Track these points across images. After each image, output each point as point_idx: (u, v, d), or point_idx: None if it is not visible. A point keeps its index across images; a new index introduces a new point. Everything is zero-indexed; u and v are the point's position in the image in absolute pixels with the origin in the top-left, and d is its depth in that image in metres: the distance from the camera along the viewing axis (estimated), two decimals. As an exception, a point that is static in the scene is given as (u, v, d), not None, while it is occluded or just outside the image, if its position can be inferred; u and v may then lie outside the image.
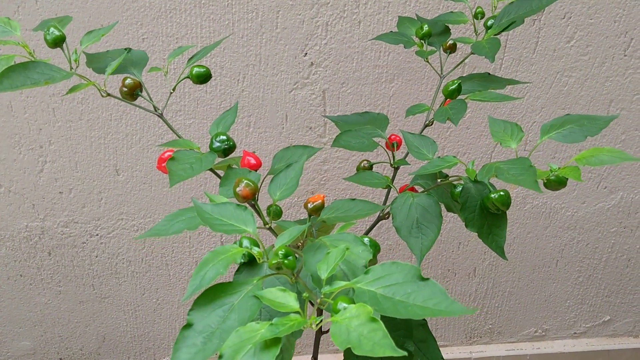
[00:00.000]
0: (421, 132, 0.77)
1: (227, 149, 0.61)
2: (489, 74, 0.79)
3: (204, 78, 0.67)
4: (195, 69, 0.67)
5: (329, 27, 0.99)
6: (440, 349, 1.38)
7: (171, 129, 0.67)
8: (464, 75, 0.80)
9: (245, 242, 0.52)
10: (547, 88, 1.07)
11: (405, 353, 0.34)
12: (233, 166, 0.65)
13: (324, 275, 0.43)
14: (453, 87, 0.72)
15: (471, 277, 1.28)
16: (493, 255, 1.25)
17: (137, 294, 1.22)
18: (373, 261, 0.51)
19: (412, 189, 0.74)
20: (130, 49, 0.69)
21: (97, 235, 1.15)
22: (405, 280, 0.40)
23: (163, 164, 0.65)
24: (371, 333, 0.36)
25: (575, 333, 1.38)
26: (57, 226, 1.13)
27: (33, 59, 0.59)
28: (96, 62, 0.68)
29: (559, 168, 0.59)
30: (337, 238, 0.49)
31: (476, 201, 0.65)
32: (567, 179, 0.60)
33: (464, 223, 0.65)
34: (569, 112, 1.09)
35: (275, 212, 0.61)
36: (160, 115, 0.67)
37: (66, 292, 1.21)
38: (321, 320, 0.40)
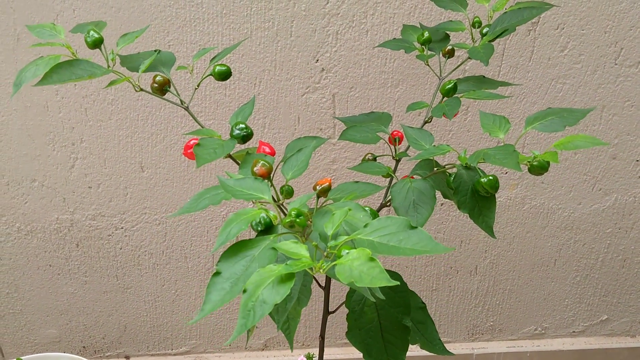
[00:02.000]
0: (424, 124, 0.85)
1: (246, 136, 0.69)
2: (484, 76, 0.87)
3: (225, 75, 0.76)
4: (218, 67, 0.76)
5: (339, 35, 1.08)
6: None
7: (195, 120, 0.75)
8: (460, 77, 0.88)
9: (262, 214, 0.60)
10: (542, 94, 1.14)
11: (397, 283, 0.42)
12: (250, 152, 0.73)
13: (329, 232, 0.51)
14: (449, 86, 0.80)
15: (473, 274, 1.34)
16: (494, 254, 1.32)
17: (157, 285, 1.30)
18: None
19: (412, 178, 0.82)
20: (159, 51, 0.78)
21: (122, 228, 1.23)
22: (398, 230, 0.47)
23: (189, 150, 0.73)
24: (370, 270, 0.43)
25: (574, 332, 1.44)
26: (85, 219, 1.22)
27: (77, 58, 0.67)
28: (129, 62, 0.77)
29: (540, 153, 0.67)
30: (341, 205, 0.56)
31: (468, 186, 0.73)
32: (548, 163, 0.67)
33: (456, 205, 0.73)
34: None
35: (288, 191, 0.69)
36: (186, 108, 0.75)
37: (91, 282, 1.29)
38: (329, 265, 0.47)
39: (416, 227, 0.47)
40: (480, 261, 1.33)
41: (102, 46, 0.72)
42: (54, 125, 1.13)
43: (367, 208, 0.59)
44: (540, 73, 1.12)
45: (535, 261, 1.34)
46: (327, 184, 0.71)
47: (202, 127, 0.76)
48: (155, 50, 0.78)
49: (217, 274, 0.49)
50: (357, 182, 0.71)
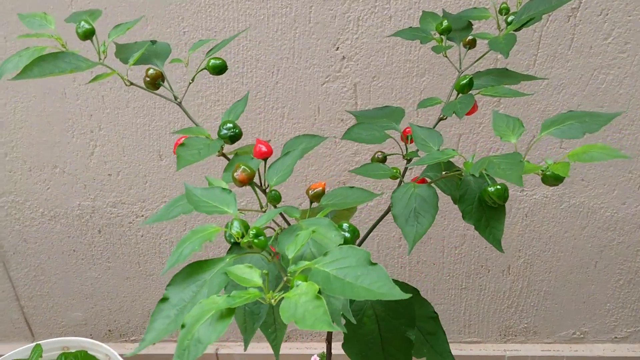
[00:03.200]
0: (434, 126, 0.79)
1: (233, 136, 0.65)
2: (507, 69, 0.79)
3: (219, 69, 0.72)
4: (212, 61, 0.71)
5: (360, 22, 1.01)
6: (474, 345, 1.38)
7: (188, 116, 0.72)
8: (481, 70, 0.80)
9: (236, 224, 0.57)
10: (583, 85, 1.05)
11: (339, 329, 0.37)
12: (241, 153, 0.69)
13: (290, 254, 0.46)
14: (464, 81, 0.73)
15: (505, 274, 1.27)
16: (528, 253, 1.24)
17: (178, 273, 1.29)
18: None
19: (423, 180, 0.76)
20: (155, 41, 0.74)
21: (143, 216, 1.23)
22: (358, 264, 0.42)
23: (178, 149, 0.70)
24: (315, 309, 0.39)
25: (616, 337, 1.35)
26: (106, 206, 1.22)
27: (63, 50, 0.65)
28: (124, 52, 0.73)
29: (553, 163, 0.59)
30: (313, 222, 0.52)
31: (475, 194, 0.66)
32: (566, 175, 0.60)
33: (461, 215, 0.67)
34: (607, 110, 1.07)
35: (274, 197, 0.65)
36: (179, 104, 0.72)
37: (114, 268, 1.29)
38: (279, 297, 0.43)
39: (376, 264, 0.42)
40: (514, 260, 1.25)
41: (95, 37, 0.69)
42: (72, 112, 1.12)
43: (345, 224, 0.54)
44: (580, 63, 1.03)
45: (574, 262, 1.25)
46: (320, 188, 0.66)
47: (196, 124, 0.72)
48: (150, 41, 0.75)
49: (164, 299, 0.46)
50: (352, 187, 0.65)
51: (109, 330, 1.39)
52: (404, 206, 0.67)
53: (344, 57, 1.04)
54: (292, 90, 1.08)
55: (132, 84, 0.70)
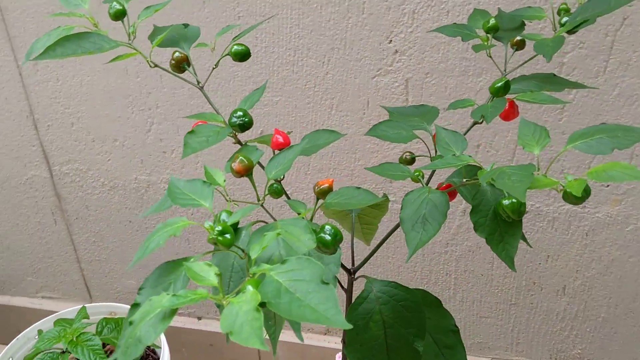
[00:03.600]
0: (468, 130, 0.74)
1: (243, 125, 0.64)
2: (554, 74, 0.73)
3: (242, 56, 0.71)
4: (235, 47, 0.71)
5: (415, 15, 0.97)
6: (521, 365, 1.29)
7: (209, 102, 0.71)
8: (526, 74, 0.74)
9: (224, 215, 0.56)
10: (659, 98, 0.95)
11: (267, 349, 0.35)
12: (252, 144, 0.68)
13: (253, 255, 0.44)
14: (499, 84, 0.68)
15: (560, 294, 1.18)
16: (587, 275, 1.15)
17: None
18: (331, 250, 0.52)
19: (448, 186, 0.72)
20: (187, 25, 0.74)
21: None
22: (311, 279, 0.40)
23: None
24: (253, 321, 0.37)
25: (682, 378, 1.22)
26: (160, 182, 1.26)
27: (88, 31, 0.66)
28: (157, 35, 0.74)
29: (572, 180, 0.54)
30: (290, 222, 0.49)
31: (490, 205, 0.62)
32: (587, 193, 0.54)
33: (473, 226, 0.62)
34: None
35: (275, 191, 0.64)
36: (201, 89, 0.72)
37: (167, 243, 1.34)
38: (229, 300, 0.41)
39: (328, 284, 0.39)
40: (570, 281, 1.17)
41: (126, 18, 0.71)
42: (132, 89, 1.16)
43: (327, 227, 0.51)
44: (657, 72, 0.93)
45: (638, 291, 1.14)
46: (327, 185, 0.64)
47: (216, 110, 0.72)
48: (183, 24, 0.75)
49: (135, 305, 0.45)
50: (358, 188, 0.63)
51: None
52: (414, 211, 0.63)
53: (396, 51, 1.01)
54: (342, 82, 1.05)
55: (156, 65, 0.71)
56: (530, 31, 0.93)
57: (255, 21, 1.03)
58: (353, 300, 0.75)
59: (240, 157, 0.59)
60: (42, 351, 1.12)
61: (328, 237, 0.51)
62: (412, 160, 0.77)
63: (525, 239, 0.75)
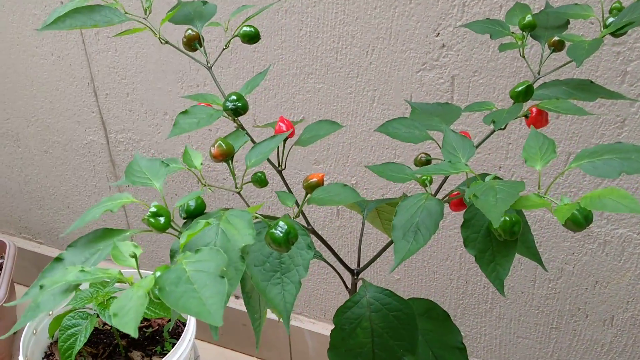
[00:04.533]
0: (487, 137, 0.68)
1: (235, 109, 0.62)
2: (591, 81, 0.65)
3: (250, 38, 0.68)
4: (244, 29, 0.69)
5: (466, 7, 0.90)
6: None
7: (217, 84, 0.70)
8: (561, 79, 0.67)
9: (191, 202, 0.54)
10: None
11: (135, 335, 0.33)
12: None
13: (181, 241, 0.42)
14: (520, 88, 0.62)
15: (607, 325, 1.08)
16: (638, 308, 1.04)
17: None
18: (283, 248, 0.49)
19: (458, 194, 0.66)
20: (206, 2, 0.73)
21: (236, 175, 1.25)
22: (214, 271, 0.37)
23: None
24: (138, 307, 0.35)
25: None
26: (205, 159, 1.27)
27: (100, 4, 0.66)
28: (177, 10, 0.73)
29: (565, 204, 0.47)
30: (235, 214, 0.47)
31: (485, 220, 0.56)
32: (587, 219, 0.47)
33: (463, 242, 0.57)
34: None
35: (258, 180, 0.61)
36: (209, 69, 0.70)
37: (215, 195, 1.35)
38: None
39: (223, 278, 0.37)
40: (620, 312, 1.06)
41: (146, -8, 0.70)
42: (182, 64, 1.17)
43: (282, 222, 0.48)
44: None
45: (699, 334, 1.02)
46: (316, 179, 0.61)
47: (222, 92, 0.71)
48: (202, 1, 0.74)
49: (58, 259, 0.45)
50: (345, 185, 0.59)
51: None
52: (408, 218, 0.59)
53: (443, 45, 0.94)
54: (385, 73, 1.00)
55: (167, 42, 0.71)
56: (576, 31, 0.84)
57: (302, 4, 1.01)
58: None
59: (219, 142, 0.57)
60: (75, 309, 1.17)
61: (279, 234, 0.48)
62: (427, 162, 0.72)
63: (540, 262, 0.69)
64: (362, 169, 1.11)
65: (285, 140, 0.69)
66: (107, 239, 0.46)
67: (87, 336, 1.12)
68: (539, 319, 1.14)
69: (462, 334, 1.20)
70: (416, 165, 0.72)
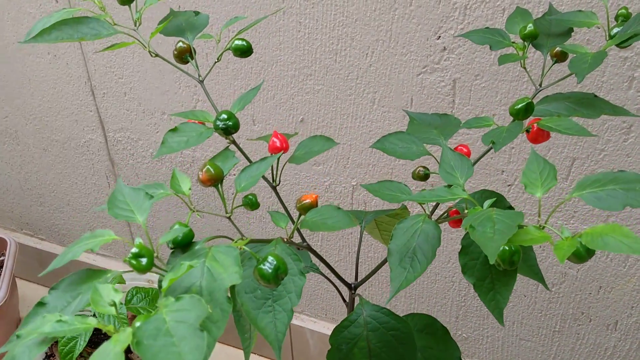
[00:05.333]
0: (482, 156, 0.66)
1: (226, 129, 0.60)
2: (595, 95, 0.63)
3: (242, 52, 0.66)
4: (236, 42, 0.67)
5: (467, 10, 0.88)
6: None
7: (208, 98, 0.68)
8: (563, 92, 0.65)
9: (176, 228, 0.52)
10: None
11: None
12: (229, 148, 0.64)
13: (164, 284, 0.41)
14: (520, 105, 0.59)
15: (611, 329, 1.07)
16: (643, 314, 1.02)
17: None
18: (272, 285, 0.47)
19: (455, 212, 0.65)
20: (198, 13, 0.71)
21: (234, 175, 1.24)
22: (194, 322, 0.36)
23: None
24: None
25: None
26: (204, 158, 1.25)
27: (88, 16, 0.64)
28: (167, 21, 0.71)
29: (566, 238, 0.45)
30: (222, 250, 0.45)
31: (482, 248, 0.54)
32: (588, 252, 0.46)
33: (461, 268, 0.55)
34: None
35: (249, 203, 0.60)
36: (201, 83, 0.68)
37: (207, 217, 1.34)
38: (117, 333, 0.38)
39: (203, 332, 0.35)
40: (624, 317, 1.04)
41: (135, 3, 0.68)
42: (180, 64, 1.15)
43: (271, 258, 0.47)
44: None
45: None
46: (310, 201, 0.59)
47: (214, 106, 0.69)
48: (194, 12, 0.72)
49: (40, 303, 0.43)
50: (338, 208, 0.57)
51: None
52: (404, 243, 0.57)
53: (445, 48, 0.92)
54: (385, 76, 0.98)
55: (157, 55, 0.69)
56: (579, 40, 0.82)
57: (299, 6, 0.98)
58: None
59: (208, 166, 0.56)
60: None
61: (268, 270, 0.47)
62: (425, 176, 0.70)
63: (542, 281, 0.67)
64: (363, 170, 1.09)
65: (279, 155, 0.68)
66: (90, 281, 0.45)
67: (87, 339, 1.12)
68: (542, 322, 1.12)
69: (465, 335, 1.20)
70: (414, 178, 0.71)
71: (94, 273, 0.45)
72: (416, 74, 0.96)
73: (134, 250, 0.43)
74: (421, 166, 0.70)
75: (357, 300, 0.75)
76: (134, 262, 0.43)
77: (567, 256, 0.42)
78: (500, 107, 0.93)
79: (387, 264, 0.74)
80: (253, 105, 1.12)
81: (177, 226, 0.52)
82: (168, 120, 1.23)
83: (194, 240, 0.53)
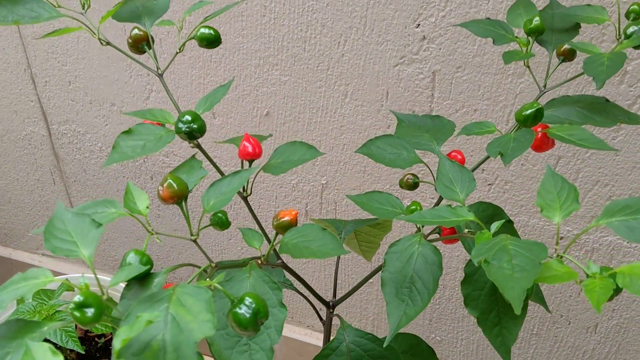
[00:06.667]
0: (477, 165, 0.59)
1: (190, 133, 0.51)
2: (607, 100, 0.56)
3: (209, 42, 0.57)
4: (202, 30, 0.57)
5: (451, -4, 0.80)
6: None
7: (168, 94, 0.59)
8: (571, 95, 0.58)
9: (131, 257, 0.44)
10: None
11: None
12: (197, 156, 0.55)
13: (117, 345, 0.32)
14: (529, 111, 0.52)
15: (590, 332, 1.03)
16: (624, 316, 0.99)
17: (224, 237, 1.21)
18: (249, 332, 0.39)
19: (451, 231, 0.57)
20: (156, -5, 0.61)
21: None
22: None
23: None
24: None
25: None
26: (159, 154, 1.15)
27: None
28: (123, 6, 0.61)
29: (598, 276, 0.39)
30: (190, 292, 0.37)
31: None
32: (615, 291, 0.39)
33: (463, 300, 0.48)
34: None
35: (218, 222, 0.51)
36: (160, 76, 0.59)
37: (163, 217, 1.24)
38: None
39: None
40: (604, 320, 1.01)
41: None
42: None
43: (248, 299, 0.38)
44: None
45: (685, 342, 0.98)
46: (289, 218, 0.51)
47: (176, 105, 0.59)
48: (150, -6, 0.62)
49: None
50: (324, 229, 0.49)
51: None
52: (399, 269, 0.50)
53: (424, 38, 0.84)
54: (359, 66, 0.90)
55: (108, 43, 0.59)
56: (586, 37, 0.76)
57: (265, -13, 0.89)
58: (324, 346, 0.63)
59: (169, 180, 0.46)
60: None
61: (246, 315, 0.38)
62: (415, 185, 0.63)
63: (544, 303, 0.61)
64: (333, 168, 1.02)
65: (251, 162, 0.59)
66: (21, 336, 0.36)
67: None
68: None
69: (438, 338, 1.14)
70: (402, 187, 0.63)
71: (27, 325, 0.36)
72: (393, 65, 0.88)
73: (77, 298, 0.34)
74: (410, 173, 0.62)
75: (335, 320, 0.68)
76: (77, 314, 0.34)
77: (604, 302, 0.36)
78: (482, 101, 0.86)
79: (369, 281, 0.67)
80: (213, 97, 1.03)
81: (132, 255, 0.44)
82: (118, 112, 1.12)
83: (153, 272, 0.44)
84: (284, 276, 0.70)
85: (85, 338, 1.18)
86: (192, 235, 0.48)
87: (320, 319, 0.70)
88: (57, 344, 1.14)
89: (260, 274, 0.47)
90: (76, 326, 1.08)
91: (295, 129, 0.99)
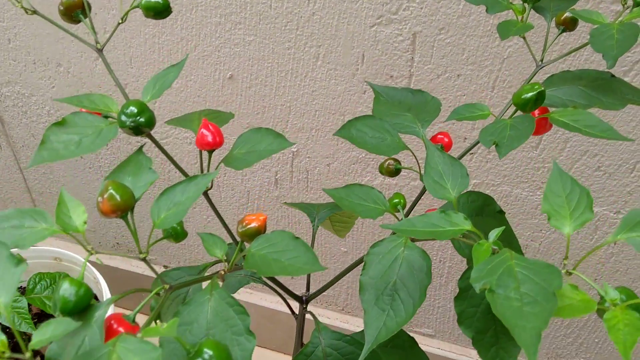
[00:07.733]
0: (464, 153, 0.53)
1: (137, 128, 0.43)
2: (613, 75, 0.50)
3: (156, 12, 0.49)
4: (146, -2, 0.48)
5: (434, -51, 0.72)
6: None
7: (110, 73, 0.50)
8: (571, 69, 0.51)
9: (65, 287, 0.36)
10: None
11: None
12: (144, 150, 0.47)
13: None
14: (529, 94, 0.46)
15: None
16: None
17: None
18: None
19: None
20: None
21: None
22: None
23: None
24: None
25: (695, 404, 1.06)
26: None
27: None
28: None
29: (621, 312, 0.33)
30: (131, 349, 0.30)
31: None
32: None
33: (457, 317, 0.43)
34: None
35: (174, 234, 0.44)
36: (99, 52, 0.50)
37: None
38: None
39: None
40: (585, 289, 0.98)
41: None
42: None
43: (208, 351, 0.32)
44: None
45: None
46: (256, 225, 0.44)
47: (119, 85, 0.51)
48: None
49: None
50: (297, 238, 0.42)
51: (117, 243, 1.28)
52: (380, 273, 0.44)
53: (404, -5, 0.76)
54: (331, 26, 0.81)
55: (35, 12, 0.50)
56: (589, 5, 0.69)
57: (225, -64, 0.78)
58: (299, 349, 0.58)
59: (110, 190, 0.39)
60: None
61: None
62: (396, 172, 0.56)
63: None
64: (305, 135, 0.94)
65: (211, 152, 0.52)
66: None
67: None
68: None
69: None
70: (382, 173, 0.57)
71: None
72: (369, 25, 0.80)
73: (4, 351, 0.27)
74: (391, 158, 0.56)
75: (309, 317, 0.63)
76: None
77: (633, 346, 0.30)
78: (466, 66, 0.79)
79: (346, 275, 0.61)
80: (169, 56, 0.93)
81: (66, 286, 0.36)
82: (65, 73, 1.02)
83: (92, 303, 0.37)
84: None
85: None
86: (140, 252, 0.41)
87: (293, 312, 0.65)
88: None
89: (223, 295, 0.40)
90: (29, 308, 1.00)
91: (263, 94, 0.91)
